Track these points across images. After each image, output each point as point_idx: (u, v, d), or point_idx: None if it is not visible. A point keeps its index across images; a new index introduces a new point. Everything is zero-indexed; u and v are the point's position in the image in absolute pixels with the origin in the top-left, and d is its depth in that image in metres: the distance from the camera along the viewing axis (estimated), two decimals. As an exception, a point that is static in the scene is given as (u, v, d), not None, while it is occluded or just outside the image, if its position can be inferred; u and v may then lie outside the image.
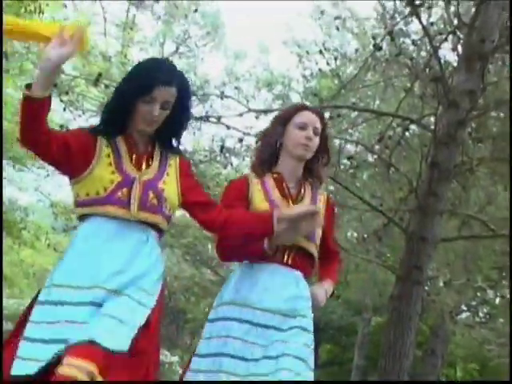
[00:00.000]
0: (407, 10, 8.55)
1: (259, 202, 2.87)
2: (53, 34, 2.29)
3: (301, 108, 3.01)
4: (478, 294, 12.12)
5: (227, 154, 9.94)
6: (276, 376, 2.55)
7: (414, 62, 8.68)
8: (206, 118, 8.98)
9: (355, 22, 12.32)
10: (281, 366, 2.56)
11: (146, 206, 2.49)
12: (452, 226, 9.48)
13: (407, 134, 9.49)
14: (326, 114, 8.30)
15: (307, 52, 12.32)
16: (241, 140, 8.78)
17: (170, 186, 2.58)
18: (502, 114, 8.71)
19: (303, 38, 15.67)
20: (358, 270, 11.49)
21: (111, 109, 2.58)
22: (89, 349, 2.18)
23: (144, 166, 2.57)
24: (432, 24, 8.61)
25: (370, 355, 16.28)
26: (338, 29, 11.38)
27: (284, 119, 2.97)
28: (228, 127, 8.58)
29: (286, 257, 2.82)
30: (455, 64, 8.40)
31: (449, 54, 9.08)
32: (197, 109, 9.62)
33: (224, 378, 2.64)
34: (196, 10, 15.26)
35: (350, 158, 9.36)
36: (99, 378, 2.16)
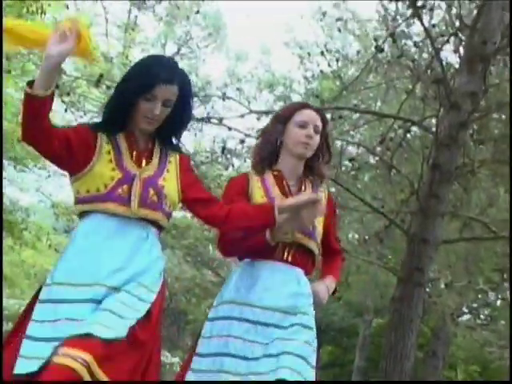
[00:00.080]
0: (409, 12, 8.54)
1: (259, 198, 2.87)
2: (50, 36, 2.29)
3: (301, 106, 3.00)
4: (480, 296, 12.12)
5: (228, 156, 9.93)
6: (276, 374, 2.53)
7: (415, 63, 8.68)
8: (207, 120, 8.99)
9: (357, 23, 12.31)
10: (281, 364, 2.55)
11: (147, 203, 2.48)
12: (453, 227, 9.47)
13: (409, 135, 9.49)
14: (328, 116, 8.29)
15: (309, 53, 12.34)
16: (242, 141, 8.78)
17: (170, 183, 2.58)
18: (503, 116, 8.70)
19: (305, 40, 15.70)
20: (359, 272, 11.48)
21: (112, 106, 2.57)
22: (85, 340, 2.17)
23: (144, 163, 2.56)
24: (434, 26, 8.60)
25: (371, 357, 16.28)
26: (339, 30, 11.35)
27: (284, 117, 2.97)
28: (229, 128, 8.59)
29: (285, 254, 2.82)
30: (457, 66, 8.40)
31: (450, 55, 9.09)
32: (198, 110, 9.62)
33: (225, 377, 2.63)
34: (198, 12, 15.23)
35: (351, 159, 9.36)
36: (96, 368, 2.14)
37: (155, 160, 2.60)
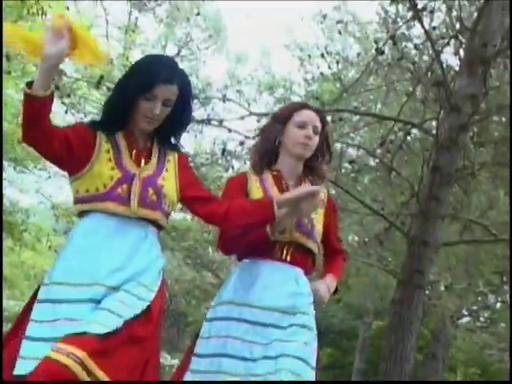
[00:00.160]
0: (409, 15, 8.55)
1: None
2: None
3: (301, 107, 2.99)
4: (479, 298, 12.12)
5: (228, 157, 9.92)
6: (276, 377, 2.52)
7: (416, 66, 8.68)
8: (207, 121, 8.99)
9: (357, 25, 12.32)
10: (281, 366, 2.54)
11: (146, 203, 2.48)
12: (453, 230, 9.47)
13: (409, 138, 9.49)
14: (328, 118, 8.29)
15: (309, 56, 12.32)
16: (242, 143, 8.79)
17: (169, 182, 2.57)
18: (503, 119, 8.70)
19: (305, 42, 15.67)
20: (359, 274, 11.47)
21: (112, 104, 2.57)
22: (79, 337, 2.17)
23: (143, 163, 2.55)
24: (434, 28, 8.60)
25: (370, 359, 16.27)
26: (340, 33, 11.36)
27: (284, 117, 2.96)
28: (230, 130, 8.60)
29: (284, 253, 2.81)
30: (457, 68, 8.40)
31: (451, 58, 9.09)
32: (199, 112, 9.61)
33: (223, 378, 2.62)
34: (198, 13, 15.26)
35: (351, 161, 9.36)
36: (91, 364, 2.13)
37: (154, 159, 2.59)
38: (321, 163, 3.00)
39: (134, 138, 2.58)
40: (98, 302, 2.32)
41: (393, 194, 8.94)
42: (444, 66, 7.97)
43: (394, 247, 10.59)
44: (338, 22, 11.07)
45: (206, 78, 16.94)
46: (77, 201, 2.52)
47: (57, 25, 2.25)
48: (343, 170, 9.17)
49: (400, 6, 8.90)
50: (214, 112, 10.50)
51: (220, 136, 10.53)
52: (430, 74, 8.42)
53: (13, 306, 17.99)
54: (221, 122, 8.75)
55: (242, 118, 8.62)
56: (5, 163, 13.46)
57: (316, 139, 2.92)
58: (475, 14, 8.06)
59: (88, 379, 2.13)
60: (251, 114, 8.72)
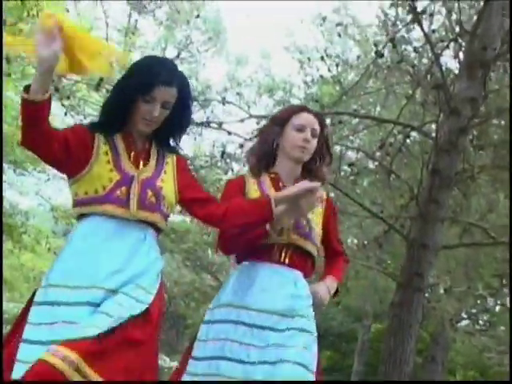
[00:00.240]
0: (409, 18, 8.55)
1: None
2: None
3: (299, 109, 2.98)
4: (479, 301, 12.11)
5: (228, 160, 9.93)
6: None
7: (415, 69, 8.68)
8: (207, 124, 8.98)
9: (357, 28, 12.33)
10: (280, 372, 2.53)
11: (145, 205, 2.47)
12: (453, 233, 9.47)
13: (408, 141, 9.49)
14: (327, 121, 8.30)
15: (309, 58, 12.33)
16: (242, 146, 8.77)
17: (168, 184, 2.57)
18: (503, 122, 8.70)
19: (305, 44, 15.71)
20: (358, 277, 11.46)
21: (111, 104, 2.56)
22: (76, 341, 2.15)
23: (142, 164, 2.55)
24: (434, 31, 8.62)
25: (369, 362, 16.26)
26: (339, 35, 11.36)
27: (282, 120, 2.95)
28: (229, 133, 8.60)
29: (283, 256, 2.80)
30: (457, 71, 8.41)
31: (450, 61, 9.11)
32: (198, 114, 9.62)
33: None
34: (198, 16, 15.26)
35: (350, 164, 9.37)
36: (85, 367, 2.12)
37: (152, 161, 2.58)
38: (320, 165, 2.99)
39: (132, 139, 2.57)
40: (97, 305, 2.31)
41: (392, 197, 8.94)
42: (443, 69, 7.97)
43: (394, 250, 10.59)
44: (338, 24, 11.08)
45: (205, 81, 16.99)
46: (76, 203, 2.51)
47: (46, 25, 2.20)
48: (342, 173, 9.17)
49: (400, 9, 8.91)
50: (213, 114, 10.52)
51: (219, 138, 10.56)
52: (429, 76, 8.42)
53: (12, 308, 17.97)
54: (220, 124, 8.75)
55: (242, 120, 8.61)
56: (4, 165, 13.46)
57: (314, 142, 2.91)
58: (475, 17, 8.07)
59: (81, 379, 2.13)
60: (251, 116, 8.71)
